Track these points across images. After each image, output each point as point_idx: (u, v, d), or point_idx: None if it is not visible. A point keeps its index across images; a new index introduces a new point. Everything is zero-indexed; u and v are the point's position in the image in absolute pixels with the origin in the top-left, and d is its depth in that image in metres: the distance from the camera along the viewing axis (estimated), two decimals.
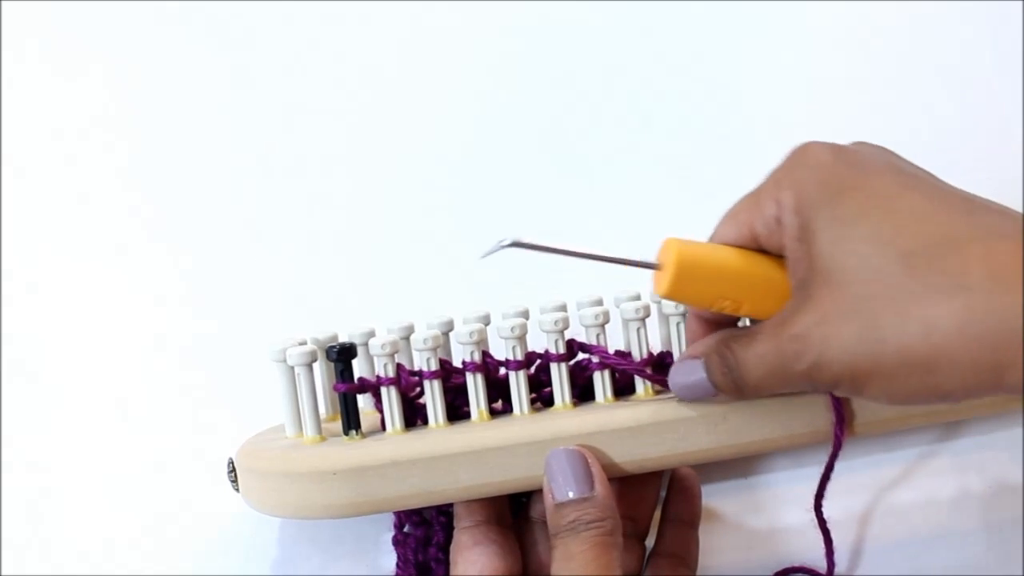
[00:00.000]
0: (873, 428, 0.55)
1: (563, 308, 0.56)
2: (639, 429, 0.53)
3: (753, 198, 0.50)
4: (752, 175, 0.65)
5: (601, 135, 0.65)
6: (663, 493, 0.59)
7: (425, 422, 0.55)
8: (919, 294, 0.43)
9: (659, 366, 0.56)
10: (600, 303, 0.56)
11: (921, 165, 0.50)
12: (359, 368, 0.55)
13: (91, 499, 0.60)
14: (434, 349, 0.54)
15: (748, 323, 0.53)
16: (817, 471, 0.56)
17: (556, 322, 0.54)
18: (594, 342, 0.55)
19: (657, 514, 0.58)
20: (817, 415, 0.54)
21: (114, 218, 0.62)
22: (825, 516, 0.58)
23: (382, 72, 0.65)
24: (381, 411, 0.54)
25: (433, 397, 0.54)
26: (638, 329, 0.55)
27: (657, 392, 0.56)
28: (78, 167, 0.62)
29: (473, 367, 0.54)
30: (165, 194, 0.63)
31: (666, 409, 0.54)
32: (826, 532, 0.58)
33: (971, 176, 0.65)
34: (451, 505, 0.57)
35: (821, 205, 0.46)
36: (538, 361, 0.55)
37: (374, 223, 0.63)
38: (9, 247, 0.61)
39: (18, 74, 0.63)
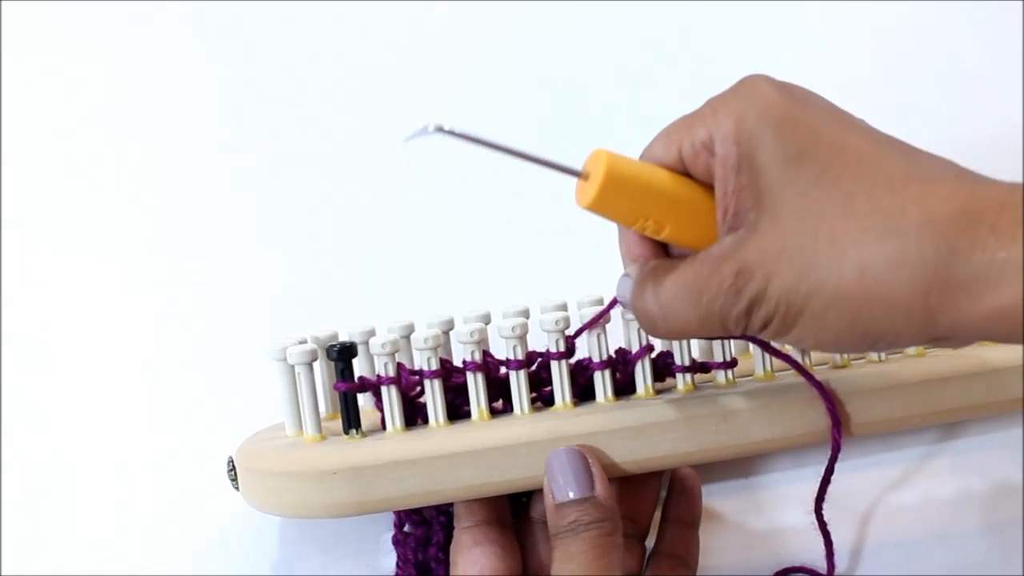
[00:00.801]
0: (871, 429, 0.55)
1: (563, 307, 0.56)
2: (639, 429, 0.53)
3: (687, 120, 0.48)
4: None
5: (601, 135, 0.65)
6: (663, 493, 0.59)
7: (425, 421, 0.55)
8: (855, 235, 0.43)
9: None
10: (601, 302, 0.56)
11: None
12: (359, 367, 0.55)
13: (91, 499, 0.60)
14: (435, 348, 0.54)
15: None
16: (817, 471, 0.56)
17: (557, 322, 0.54)
18: (595, 342, 0.55)
19: (657, 514, 0.58)
20: (817, 416, 0.54)
21: (114, 217, 0.62)
22: (825, 516, 0.58)
23: (382, 71, 0.65)
24: (381, 410, 0.54)
25: (433, 396, 0.54)
26: (639, 329, 0.55)
27: (658, 392, 0.56)
28: (78, 167, 0.62)
29: (474, 367, 0.54)
30: (165, 193, 0.63)
31: (667, 409, 0.54)
32: (827, 535, 0.58)
33: None
34: (451, 505, 0.57)
35: (766, 138, 0.45)
36: (539, 360, 0.55)
37: (375, 222, 0.63)
38: (9, 247, 0.61)
39: (18, 74, 0.63)
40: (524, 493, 0.57)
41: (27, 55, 0.63)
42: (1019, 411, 0.61)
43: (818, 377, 0.54)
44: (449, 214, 0.64)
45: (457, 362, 0.55)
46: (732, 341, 0.56)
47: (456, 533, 0.55)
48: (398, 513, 0.58)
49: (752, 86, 0.47)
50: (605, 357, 0.55)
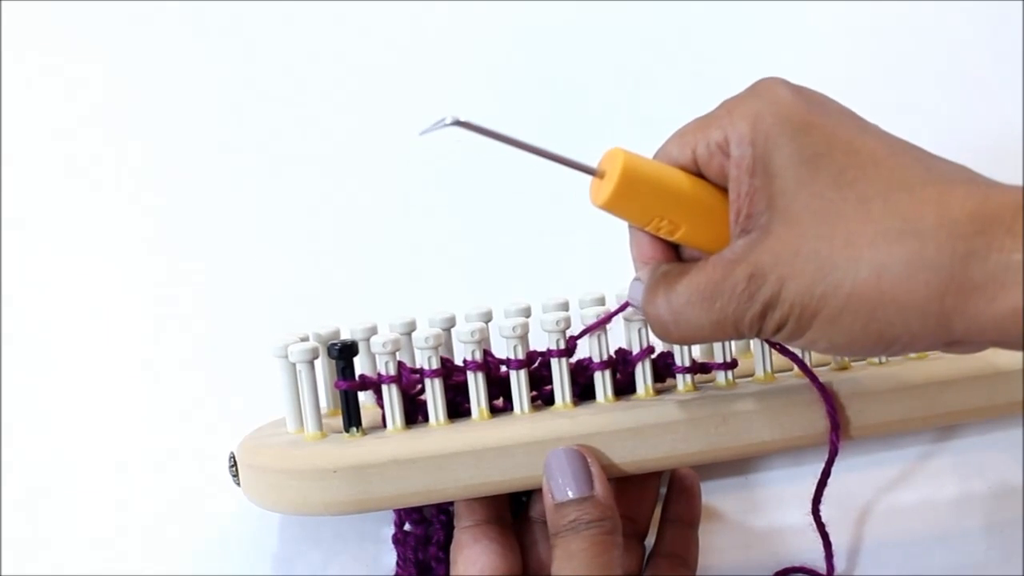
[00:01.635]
0: (871, 431, 0.55)
1: (565, 307, 0.56)
2: (639, 430, 0.53)
3: (702, 122, 0.48)
4: None
5: (600, 134, 0.65)
6: (663, 491, 0.59)
7: (426, 419, 0.55)
8: (872, 237, 0.43)
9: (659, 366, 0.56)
10: (602, 302, 0.56)
11: None
12: (360, 364, 0.55)
13: (91, 499, 0.60)
14: (435, 348, 0.54)
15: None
16: (817, 470, 0.56)
17: (558, 322, 0.54)
18: (595, 342, 0.55)
19: (657, 513, 0.58)
20: (817, 418, 0.54)
21: (114, 217, 0.62)
22: (825, 516, 0.57)
23: (383, 69, 0.65)
24: (382, 407, 0.54)
25: (434, 395, 0.54)
26: (639, 329, 0.55)
27: (658, 393, 0.56)
28: (78, 167, 0.63)
29: (474, 366, 0.54)
30: (166, 192, 0.63)
31: (666, 410, 0.54)
32: (825, 536, 0.58)
33: None
34: (451, 504, 0.57)
35: (781, 141, 0.45)
36: (539, 359, 0.55)
37: (376, 219, 0.64)
38: (9, 247, 0.61)
39: (18, 74, 0.63)
40: (524, 492, 0.57)
41: (27, 55, 0.63)
42: (1019, 411, 0.61)
43: (821, 379, 0.54)
44: (449, 214, 0.64)
45: (458, 360, 0.55)
46: (732, 342, 0.56)
47: (456, 532, 0.55)
48: (398, 512, 0.58)
49: (768, 89, 0.47)
50: (605, 357, 0.55)
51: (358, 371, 0.54)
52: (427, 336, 0.53)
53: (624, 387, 0.56)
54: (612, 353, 0.55)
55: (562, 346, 0.54)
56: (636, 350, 0.55)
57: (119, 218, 0.62)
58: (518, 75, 0.65)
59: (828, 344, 0.45)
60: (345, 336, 0.55)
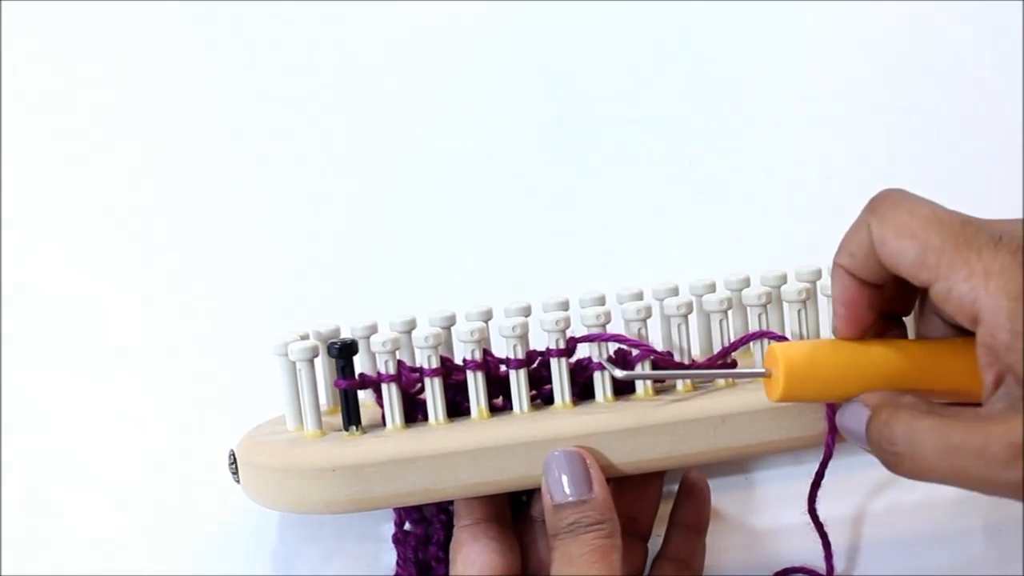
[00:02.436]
0: None
1: (565, 306, 0.56)
2: (638, 430, 0.53)
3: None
4: (752, 174, 0.65)
5: (601, 135, 0.65)
6: (668, 489, 0.58)
7: (425, 418, 0.55)
8: None
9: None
10: (602, 301, 0.56)
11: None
12: (360, 362, 0.55)
13: (91, 499, 0.60)
14: (435, 347, 0.54)
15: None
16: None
17: (558, 321, 0.54)
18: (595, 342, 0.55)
19: (663, 514, 0.58)
20: (816, 420, 0.54)
21: (115, 216, 0.62)
22: (825, 516, 0.57)
23: (383, 70, 0.65)
24: (382, 406, 0.54)
25: (434, 394, 0.54)
26: (639, 329, 0.55)
27: (657, 393, 0.56)
28: (78, 167, 0.62)
29: (474, 365, 0.54)
30: (166, 191, 0.63)
31: (666, 411, 0.54)
32: (824, 536, 0.58)
33: (971, 176, 0.65)
34: (451, 503, 0.57)
35: None
36: (539, 359, 0.55)
37: (376, 218, 0.63)
38: (9, 247, 0.61)
39: (18, 74, 0.63)
40: (524, 492, 0.57)
41: (27, 55, 0.63)
42: None
43: None
44: (449, 214, 0.64)
45: (458, 359, 0.55)
46: (731, 342, 0.56)
47: (456, 531, 0.55)
48: (398, 511, 0.58)
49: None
50: (605, 357, 0.55)
51: (358, 370, 0.54)
52: (427, 335, 0.53)
53: (623, 387, 0.56)
54: (612, 353, 0.55)
55: (562, 346, 0.54)
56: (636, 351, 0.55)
57: (119, 218, 0.62)
58: (518, 75, 0.65)
59: None
60: (345, 335, 0.55)
